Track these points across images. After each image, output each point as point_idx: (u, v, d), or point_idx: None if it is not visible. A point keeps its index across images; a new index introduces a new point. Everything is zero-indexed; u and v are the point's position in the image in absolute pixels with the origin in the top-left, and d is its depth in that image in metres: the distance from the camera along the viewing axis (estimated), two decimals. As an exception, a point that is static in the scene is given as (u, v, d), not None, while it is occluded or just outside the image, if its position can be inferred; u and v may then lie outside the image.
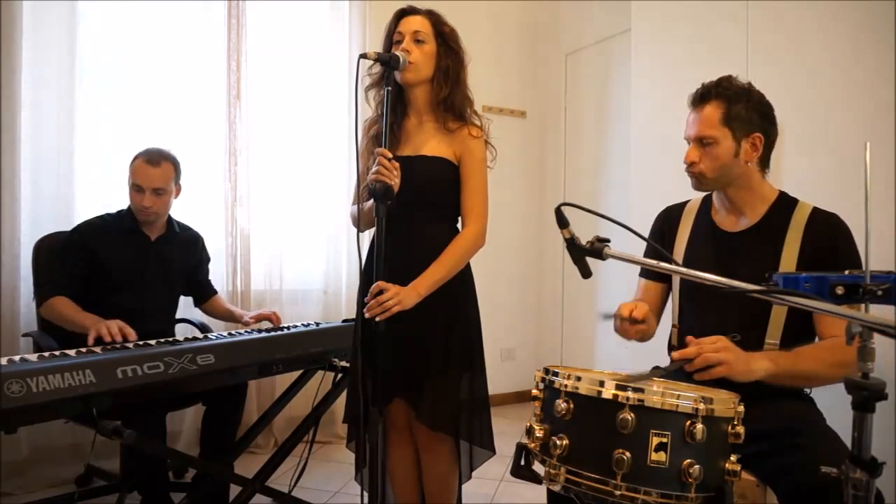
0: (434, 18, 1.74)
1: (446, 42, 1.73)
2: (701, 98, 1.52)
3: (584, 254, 1.24)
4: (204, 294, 2.50)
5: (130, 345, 1.85)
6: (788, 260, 1.45)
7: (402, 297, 1.59)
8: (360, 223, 1.65)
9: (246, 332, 2.14)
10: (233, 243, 3.02)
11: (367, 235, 1.82)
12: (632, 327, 1.44)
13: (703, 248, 1.59)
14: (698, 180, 1.54)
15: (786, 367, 1.33)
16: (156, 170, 2.16)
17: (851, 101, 2.11)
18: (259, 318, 2.35)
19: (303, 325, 2.28)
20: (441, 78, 1.72)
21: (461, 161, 1.75)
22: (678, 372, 1.29)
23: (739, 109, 1.48)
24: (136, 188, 2.17)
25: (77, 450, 2.60)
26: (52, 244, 2.29)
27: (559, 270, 3.99)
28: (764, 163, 1.54)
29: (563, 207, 1.27)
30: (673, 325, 1.64)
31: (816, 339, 1.47)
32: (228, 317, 2.48)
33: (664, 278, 1.71)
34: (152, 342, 1.88)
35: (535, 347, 4.14)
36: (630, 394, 1.03)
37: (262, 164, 3.10)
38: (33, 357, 1.62)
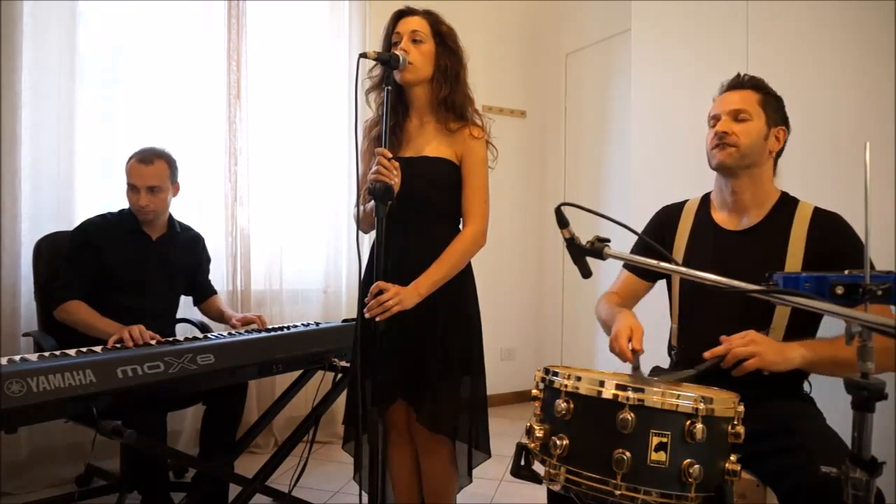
0: (432, 18, 1.74)
1: (444, 41, 1.73)
2: (739, 83, 1.56)
3: (584, 254, 1.24)
4: (203, 294, 2.51)
5: (131, 344, 1.85)
6: (794, 260, 1.45)
7: (402, 296, 1.59)
8: (361, 225, 1.64)
9: (246, 332, 2.15)
10: (233, 243, 3.02)
11: (368, 236, 1.82)
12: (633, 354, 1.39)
13: (703, 247, 1.59)
14: (728, 153, 1.50)
15: (823, 354, 1.32)
16: (148, 167, 2.16)
17: (851, 101, 2.11)
18: (244, 322, 2.34)
19: (303, 325, 2.28)
20: (440, 77, 1.72)
21: (462, 161, 1.75)
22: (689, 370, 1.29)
23: (772, 101, 1.54)
24: (131, 188, 2.18)
25: (77, 450, 2.59)
26: (53, 244, 2.29)
27: (559, 270, 3.99)
28: (776, 162, 1.57)
29: (563, 207, 1.27)
30: (673, 325, 1.64)
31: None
32: (219, 318, 2.48)
33: (649, 277, 1.70)
34: (153, 342, 1.89)
35: (535, 347, 4.14)
36: (630, 394, 1.03)
37: (262, 164, 3.10)
38: (33, 357, 1.62)
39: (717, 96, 1.60)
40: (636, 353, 1.35)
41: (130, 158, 2.20)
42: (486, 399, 1.81)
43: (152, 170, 2.17)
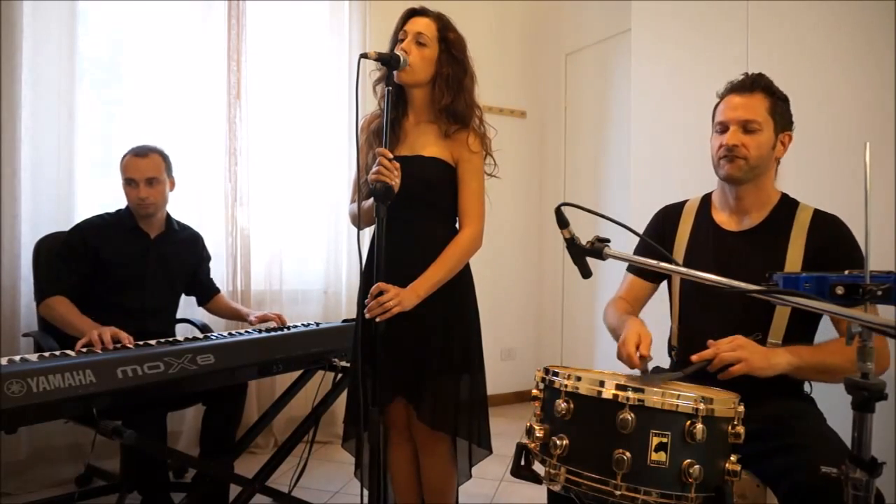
0: (441, 23, 1.72)
1: (449, 49, 1.71)
2: (750, 86, 1.50)
3: (584, 254, 1.24)
4: (207, 293, 2.51)
5: (130, 345, 1.85)
6: (793, 262, 1.45)
7: (402, 298, 1.59)
8: (360, 221, 1.64)
9: (246, 332, 2.14)
10: (233, 243, 3.02)
11: (367, 235, 1.82)
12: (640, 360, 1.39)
13: (704, 248, 1.59)
14: (738, 166, 1.48)
15: (810, 361, 1.34)
16: (144, 160, 2.19)
17: (851, 101, 2.11)
18: (263, 319, 2.34)
19: (303, 325, 2.28)
20: (442, 85, 1.71)
21: (458, 163, 1.75)
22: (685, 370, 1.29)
23: (780, 105, 1.51)
24: (129, 182, 2.19)
25: (77, 450, 2.60)
26: (52, 244, 2.28)
27: (559, 270, 3.99)
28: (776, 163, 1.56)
29: (563, 207, 1.27)
30: (673, 325, 1.64)
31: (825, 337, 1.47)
32: (234, 315, 2.49)
33: (655, 278, 1.71)
34: (152, 342, 1.88)
35: (535, 347, 4.14)
36: (630, 394, 1.04)
37: (262, 164, 3.10)
38: (33, 357, 1.62)
39: (724, 98, 1.55)
40: (643, 359, 1.35)
41: (125, 155, 2.22)
42: (486, 397, 1.81)
43: (148, 162, 2.19)
